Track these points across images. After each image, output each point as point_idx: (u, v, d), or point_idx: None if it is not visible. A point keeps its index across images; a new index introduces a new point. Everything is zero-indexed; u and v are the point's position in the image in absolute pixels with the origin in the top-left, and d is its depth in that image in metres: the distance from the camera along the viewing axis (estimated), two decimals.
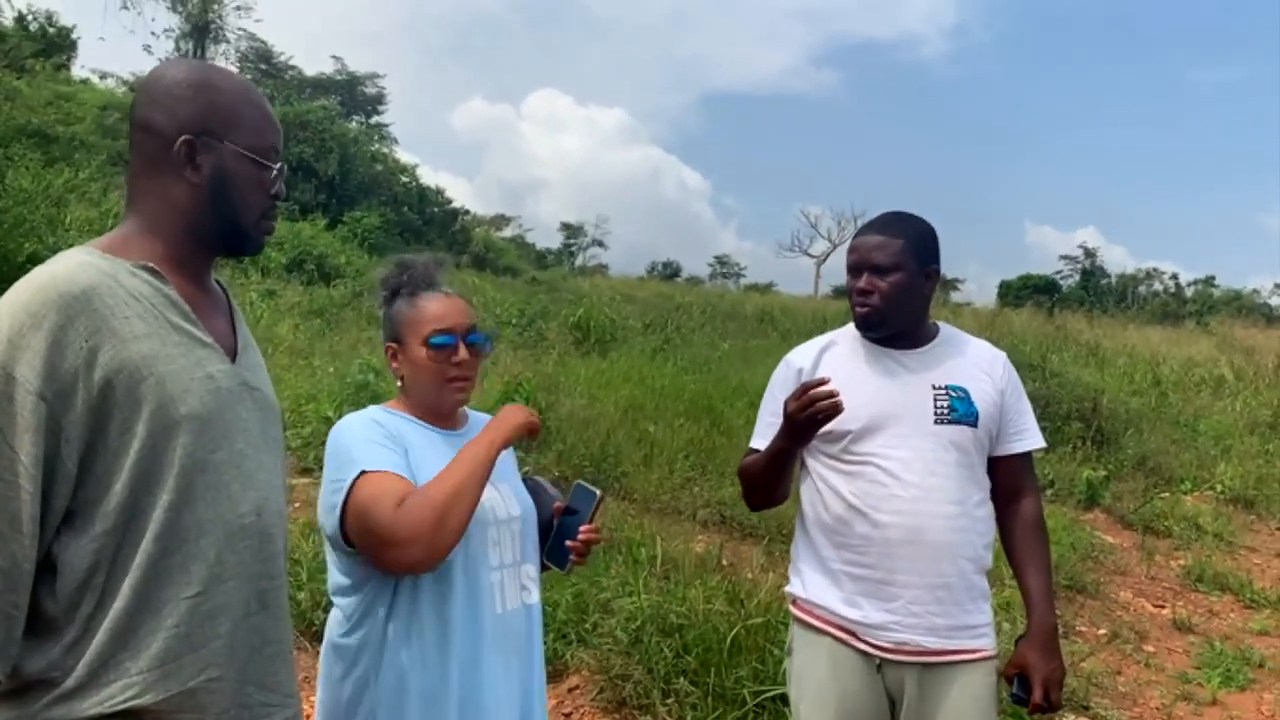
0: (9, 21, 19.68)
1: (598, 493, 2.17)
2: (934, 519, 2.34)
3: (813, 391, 2.23)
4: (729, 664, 3.98)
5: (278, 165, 1.66)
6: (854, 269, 2.47)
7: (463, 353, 2.05)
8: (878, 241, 2.43)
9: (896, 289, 2.41)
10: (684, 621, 4.25)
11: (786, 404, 2.29)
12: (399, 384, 2.10)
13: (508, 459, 2.25)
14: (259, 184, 1.64)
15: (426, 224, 27.48)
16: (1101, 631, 6.11)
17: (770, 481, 2.50)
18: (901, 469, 2.36)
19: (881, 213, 2.53)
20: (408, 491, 1.85)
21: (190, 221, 1.60)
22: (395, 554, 1.83)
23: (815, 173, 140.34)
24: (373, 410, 2.09)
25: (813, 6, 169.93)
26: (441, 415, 2.11)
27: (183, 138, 1.56)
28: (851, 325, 2.57)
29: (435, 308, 2.06)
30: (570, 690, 4.20)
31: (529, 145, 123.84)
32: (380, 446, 1.93)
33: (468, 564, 1.96)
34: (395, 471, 1.89)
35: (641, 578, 4.87)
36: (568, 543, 2.14)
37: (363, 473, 1.87)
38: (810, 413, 2.23)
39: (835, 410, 2.23)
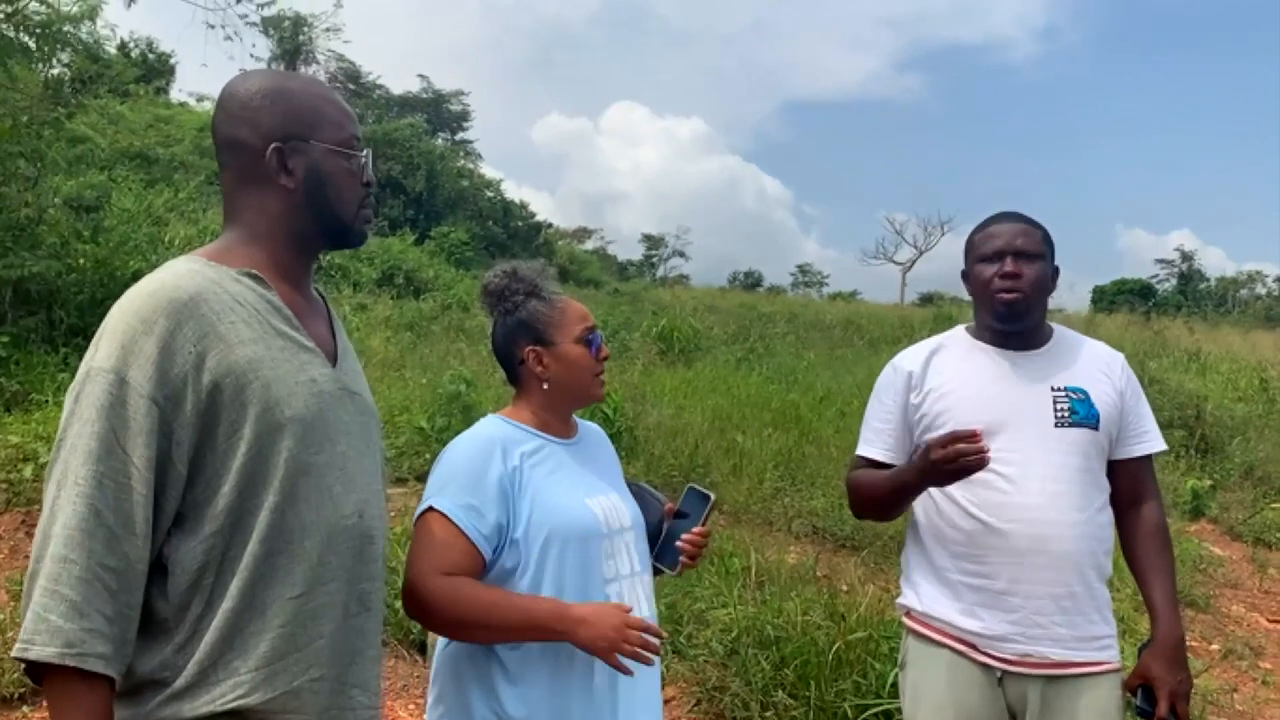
0: (113, 50, 20.39)
1: (712, 496, 2.13)
2: (1058, 526, 2.24)
3: (961, 445, 2.10)
4: (829, 678, 3.89)
5: (363, 152, 1.68)
6: (995, 255, 2.35)
7: (606, 347, 2.08)
8: (1021, 228, 2.36)
9: (1040, 276, 2.34)
10: (781, 634, 4.18)
11: (930, 448, 2.16)
12: (543, 387, 2.03)
13: (613, 465, 2.20)
14: (350, 175, 1.66)
15: (511, 238, 27.78)
16: (1214, 647, 5.86)
17: (889, 506, 2.42)
18: (1022, 475, 2.26)
19: (1000, 211, 2.44)
20: (458, 563, 1.84)
21: (292, 225, 1.63)
22: (407, 605, 1.87)
23: (900, 179, 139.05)
24: (492, 425, 2.02)
25: (898, 11, 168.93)
26: (565, 417, 2.09)
27: (272, 146, 1.59)
28: (960, 329, 2.50)
29: (575, 306, 2.08)
30: (667, 701, 4.15)
31: (608, 158, 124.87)
32: (468, 491, 1.88)
33: (581, 582, 1.90)
34: (462, 528, 1.85)
35: (735, 589, 4.81)
36: (678, 543, 2.09)
37: (430, 508, 1.88)
38: (956, 467, 2.12)
39: (981, 464, 2.11)
